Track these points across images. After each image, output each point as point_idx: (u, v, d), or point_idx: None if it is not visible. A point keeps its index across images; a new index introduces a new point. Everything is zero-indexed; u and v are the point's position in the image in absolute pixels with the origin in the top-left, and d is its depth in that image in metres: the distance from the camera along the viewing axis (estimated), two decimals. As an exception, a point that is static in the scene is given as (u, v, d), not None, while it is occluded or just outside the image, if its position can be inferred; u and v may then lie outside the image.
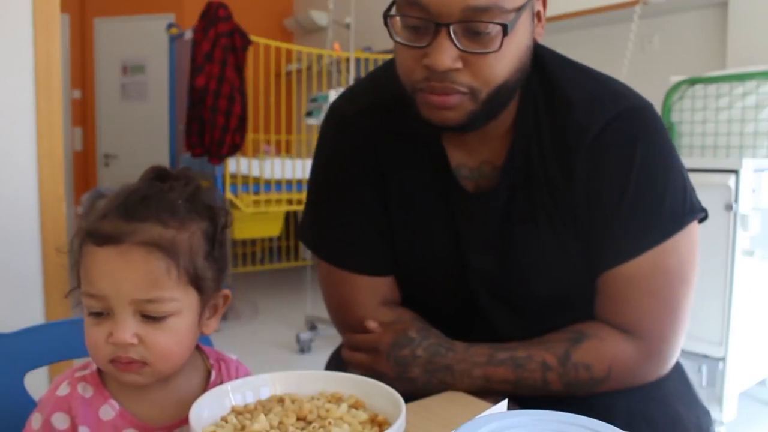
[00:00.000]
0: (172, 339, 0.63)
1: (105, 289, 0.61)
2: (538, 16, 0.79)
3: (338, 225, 0.93)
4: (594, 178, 0.81)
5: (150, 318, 0.62)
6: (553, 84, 0.84)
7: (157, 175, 0.68)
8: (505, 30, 0.70)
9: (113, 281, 0.61)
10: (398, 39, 0.75)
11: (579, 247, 0.83)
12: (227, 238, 0.71)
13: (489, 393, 0.82)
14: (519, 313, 0.88)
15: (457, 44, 0.71)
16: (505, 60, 0.74)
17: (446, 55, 0.71)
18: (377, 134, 0.89)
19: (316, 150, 0.97)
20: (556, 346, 0.82)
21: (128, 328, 0.61)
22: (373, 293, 0.92)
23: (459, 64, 0.72)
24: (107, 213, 0.64)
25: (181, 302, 0.64)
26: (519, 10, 0.72)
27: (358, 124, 0.91)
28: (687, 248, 0.82)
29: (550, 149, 0.83)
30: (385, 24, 0.75)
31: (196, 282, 0.65)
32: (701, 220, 0.84)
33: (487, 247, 0.87)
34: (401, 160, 0.89)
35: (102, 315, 0.62)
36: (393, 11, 0.75)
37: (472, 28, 0.71)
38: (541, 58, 0.85)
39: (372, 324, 0.89)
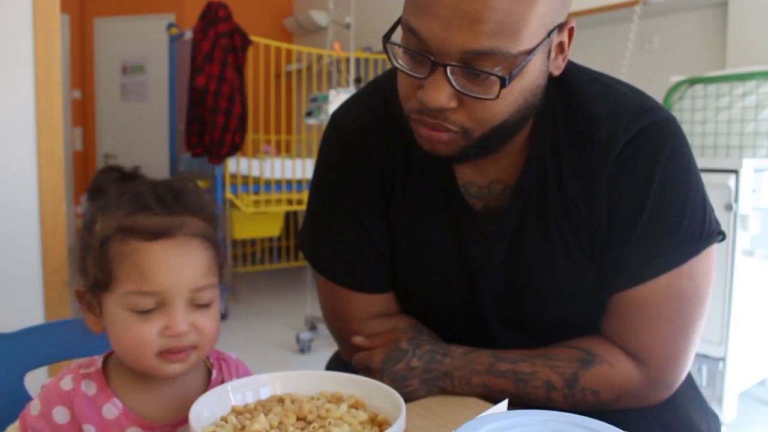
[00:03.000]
0: (215, 323, 0.66)
1: (164, 283, 0.61)
2: (560, 47, 0.74)
3: (336, 240, 0.90)
4: (614, 197, 0.78)
5: (198, 306, 0.64)
6: (575, 101, 0.80)
7: (121, 175, 0.68)
8: (503, 82, 0.66)
9: (175, 273, 0.62)
10: (397, 64, 0.71)
11: (594, 270, 0.81)
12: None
13: (492, 396, 0.81)
14: (529, 335, 0.86)
15: (454, 84, 0.67)
16: (505, 103, 0.70)
17: (440, 94, 0.68)
18: (380, 150, 0.87)
19: (317, 161, 0.94)
20: (564, 366, 0.79)
21: (185, 319, 0.63)
22: (369, 309, 0.90)
23: (453, 104, 0.69)
24: (142, 208, 0.63)
25: (217, 289, 0.67)
26: (530, 52, 0.67)
27: (360, 140, 0.87)
28: (703, 272, 0.79)
29: (570, 168, 0.79)
30: (384, 48, 0.71)
31: (220, 271, 0.68)
32: (718, 242, 0.81)
33: (496, 269, 0.85)
34: (406, 177, 0.86)
35: (150, 312, 0.62)
36: (394, 36, 0.71)
37: (471, 71, 0.67)
38: (564, 72, 0.80)
39: (358, 339, 0.87)
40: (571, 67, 0.83)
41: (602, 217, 0.79)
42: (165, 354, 0.63)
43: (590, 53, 3.66)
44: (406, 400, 0.77)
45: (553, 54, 0.73)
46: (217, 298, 0.67)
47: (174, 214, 0.64)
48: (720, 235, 0.80)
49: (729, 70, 2.71)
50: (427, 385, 0.82)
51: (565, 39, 0.74)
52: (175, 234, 0.63)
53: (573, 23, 0.73)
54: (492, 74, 0.66)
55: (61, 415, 0.65)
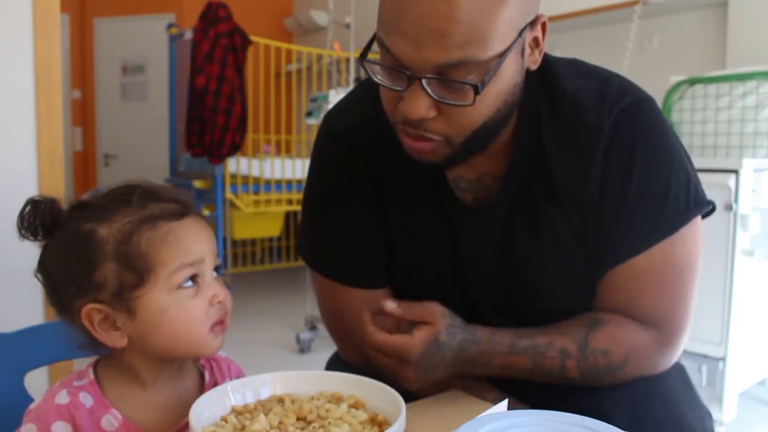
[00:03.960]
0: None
1: (200, 251, 0.67)
2: (534, 42, 0.76)
3: (331, 238, 0.92)
4: (603, 177, 0.80)
5: (215, 276, 0.69)
6: (558, 90, 0.82)
7: (78, 204, 0.68)
8: (476, 89, 0.68)
9: (204, 242, 0.68)
10: (376, 79, 0.74)
11: (583, 256, 0.83)
12: None
13: (506, 377, 0.81)
14: (526, 324, 0.86)
15: (431, 94, 0.69)
16: (484, 106, 0.72)
17: (420, 105, 0.70)
18: (371, 147, 0.88)
19: (311, 160, 0.96)
20: (575, 332, 0.81)
21: (221, 286, 0.68)
22: (367, 305, 0.89)
23: (433, 113, 0.71)
24: (146, 200, 0.66)
25: None
26: (502, 55, 0.69)
27: (352, 138, 0.90)
28: (693, 240, 0.82)
29: (559, 156, 0.81)
30: (363, 66, 0.74)
31: None
32: (709, 212, 0.84)
33: (488, 262, 0.86)
34: (397, 173, 0.88)
35: (192, 285, 0.66)
36: (371, 52, 0.73)
37: (445, 81, 0.69)
38: (544, 64, 0.82)
39: (389, 305, 0.79)
40: (549, 58, 0.85)
41: (595, 195, 0.81)
42: (215, 326, 0.67)
43: (590, 53, 3.66)
44: (427, 390, 0.79)
45: (528, 50, 0.75)
46: None
47: (167, 201, 0.68)
48: (710, 205, 0.83)
49: (729, 70, 2.71)
50: (449, 370, 0.81)
51: (539, 34, 0.75)
52: (190, 212, 0.68)
53: (544, 18, 0.75)
54: (465, 83, 0.68)
55: (61, 429, 0.64)
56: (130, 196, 0.66)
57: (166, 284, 0.64)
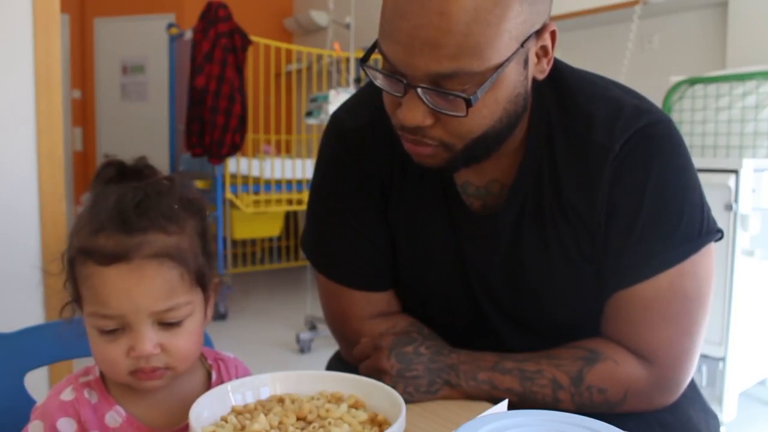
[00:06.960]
0: (190, 340, 0.64)
1: (122, 308, 0.60)
2: (543, 50, 0.73)
3: (335, 240, 0.91)
4: (612, 197, 0.78)
5: (168, 324, 0.62)
6: (572, 103, 0.80)
7: (118, 171, 0.65)
8: (468, 102, 0.67)
9: (131, 299, 0.60)
10: (377, 83, 0.74)
11: (592, 272, 0.81)
12: (209, 227, 0.70)
13: (495, 400, 0.80)
14: (536, 335, 0.86)
15: (427, 102, 0.69)
16: (482, 116, 0.71)
17: (415, 113, 0.69)
18: (379, 149, 0.87)
19: (317, 161, 0.95)
20: (568, 365, 0.79)
21: (150, 340, 0.61)
22: (370, 307, 0.91)
23: (429, 121, 0.71)
24: (101, 227, 0.61)
25: (193, 304, 0.64)
26: (500, 66, 0.67)
27: (359, 139, 0.89)
28: (705, 271, 0.79)
29: (568, 170, 0.79)
30: (363, 70, 0.73)
31: (200, 280, 0.66)
32: (716, 240, 0.81)
33: (493, 269, 0.85)
34: (404, 176, 0.87)
35: (116, 331, 0.61)
36: (372, 56, 0.73)
37: (439, 91, 0.68)
38: (558, 73, 0.81)
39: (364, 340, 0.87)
40: (566, 70, 0.83)
41: (601, 218, 0.79)
42: (137, 374, 0.62)
43: (590, 53, 3.66)
44: (408, 386, 0.79)
45: (534, 59, 0.73)
46: (194, 312, 0.64)
47: (135, 232, 0.60)
48: (719, 233, 0.81)
49: (729, 70, 2.71)
50: (431, 375, 0.81)
51: (548, 42, 0.73)
52: (131, 257, 0.60)
53: (553, 26, 0.73)
54: (457, 95, 0.67)
55: (66, 425, 0.64)
56: (106, 212, 0.61)
57: (87, 319, 0.63)
